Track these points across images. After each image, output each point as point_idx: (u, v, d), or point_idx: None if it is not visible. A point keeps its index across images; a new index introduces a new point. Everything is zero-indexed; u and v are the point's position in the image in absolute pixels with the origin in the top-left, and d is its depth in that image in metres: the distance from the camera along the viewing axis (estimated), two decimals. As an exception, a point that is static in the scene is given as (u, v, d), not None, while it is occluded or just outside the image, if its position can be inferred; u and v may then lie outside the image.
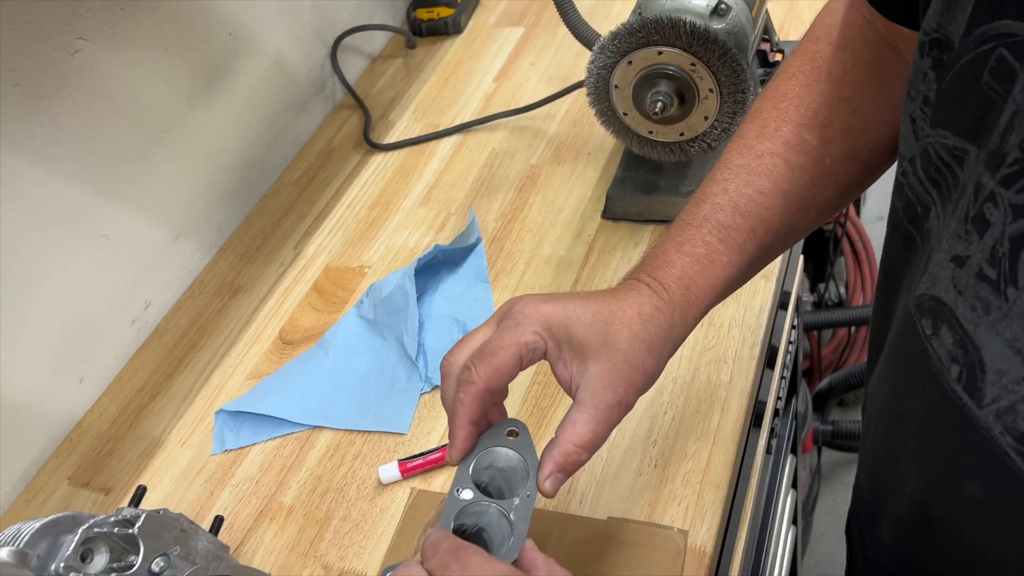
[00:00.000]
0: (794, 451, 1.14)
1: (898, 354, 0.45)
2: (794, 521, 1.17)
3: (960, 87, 0.38)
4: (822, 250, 1.67)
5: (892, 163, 0.57)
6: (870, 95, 0.53)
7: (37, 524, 0.54)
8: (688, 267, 0.51)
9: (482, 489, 0.50)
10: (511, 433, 0.51)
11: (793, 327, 0.95)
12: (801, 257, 0.96)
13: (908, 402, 0.44)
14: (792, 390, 1.05)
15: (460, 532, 0.49)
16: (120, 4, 0.83)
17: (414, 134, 1.08)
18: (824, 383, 1.58)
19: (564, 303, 0.49)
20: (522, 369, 0.49)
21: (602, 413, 0.47)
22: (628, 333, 0.48)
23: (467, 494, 0.48)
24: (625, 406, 0.48)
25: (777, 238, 0.54)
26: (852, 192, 0.57)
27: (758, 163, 0.53)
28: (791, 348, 0.95)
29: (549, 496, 0.48)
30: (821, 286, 1.70)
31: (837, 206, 0.57)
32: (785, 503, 1.08)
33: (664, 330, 0.50)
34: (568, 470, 0.48)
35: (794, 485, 1.15)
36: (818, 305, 1.68)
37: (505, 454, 0.50)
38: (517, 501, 0.48)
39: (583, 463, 0.48)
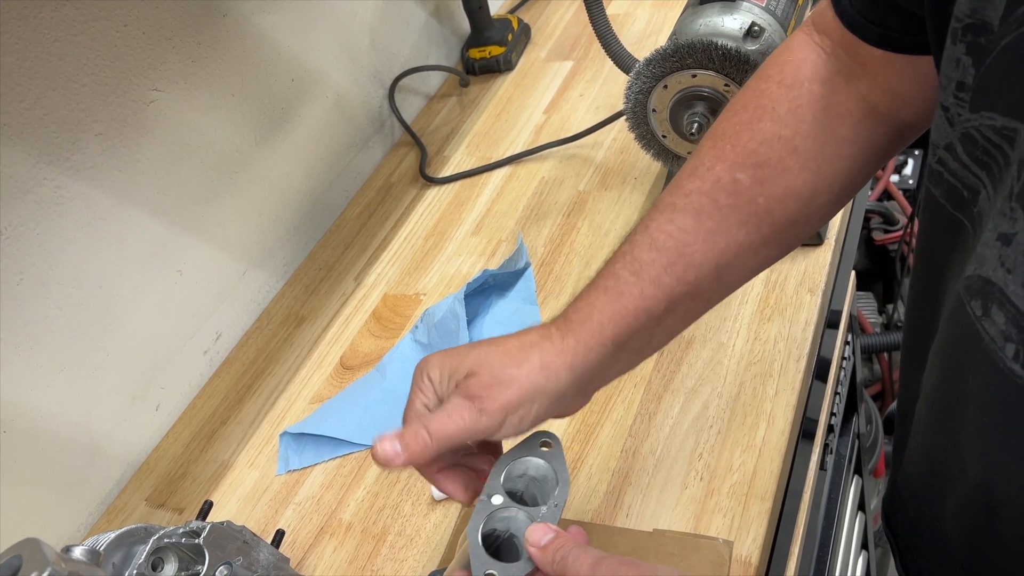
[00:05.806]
0: (859, 472, 1.12)
1: (949, 339, 0.45)
2: (865, 546, 1.14)
3: (1005, 68, 0.38)
4: (889, 270, 1.64)
5: (845, 202, 0.57)
6: (814, 133, 0.53)
7: (112, 535, 0.58)
8: (594, 298, 0.53)
9: (517, 496, 0.52)
10: (544, 444, 0.53)
11: (847, 343, 0.95)
12: (852, 274, 0.95)
13: (964, 386, 0.44)
14: (851, 408, 1.03)
15: (492, 537, 0.51)
16: (191, 56, 0.90)
17: (467, 167, 1.12)
18: (895, 405, 1.54)
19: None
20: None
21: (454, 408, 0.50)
22: (501, 351, 0.52)
23: (497, 500, 0.50)
24: (485, 413, 0.50)
25: (704, 273, 0.54)
26: (795, 230, 0.56)
27: (684, 201, 0.54)
28: (845, 364, 0.94)
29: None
30: (890, 307, 1.67)
31: (781, 245, 0.57)
32: (853, 527, 1.05)
33: (555, 349, 0.52)
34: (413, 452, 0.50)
35: (862, 508, 1.12)
36: (887, 326, 1.64)
37: (536, 464, 0.52)
38: (544, 509, 0.50)
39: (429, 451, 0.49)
